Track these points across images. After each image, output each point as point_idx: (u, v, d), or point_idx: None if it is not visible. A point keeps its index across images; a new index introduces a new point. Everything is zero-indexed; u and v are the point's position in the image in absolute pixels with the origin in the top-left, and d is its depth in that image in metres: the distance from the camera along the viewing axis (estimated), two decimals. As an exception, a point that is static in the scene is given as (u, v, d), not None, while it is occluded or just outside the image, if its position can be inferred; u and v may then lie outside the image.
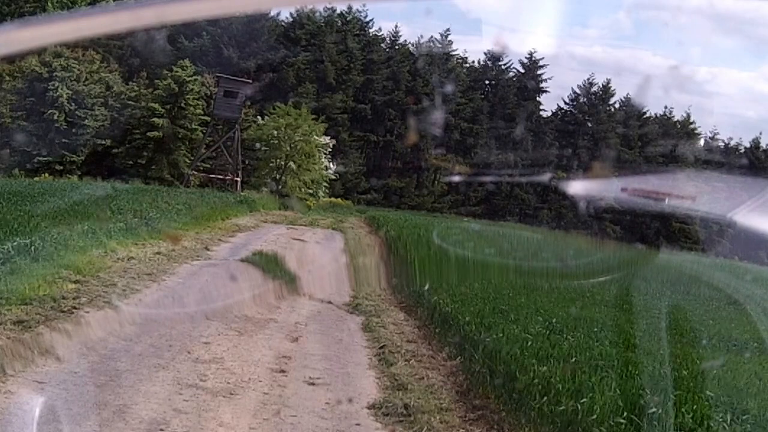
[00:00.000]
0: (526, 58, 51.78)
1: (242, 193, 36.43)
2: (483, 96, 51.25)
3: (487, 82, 52.44)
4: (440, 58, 50.66)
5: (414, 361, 9.48)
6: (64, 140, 37.94)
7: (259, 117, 42.53)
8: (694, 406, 7.00)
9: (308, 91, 46.07)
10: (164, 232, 17.36)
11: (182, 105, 41.27)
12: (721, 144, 52.24)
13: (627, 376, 7.85)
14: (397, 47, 51.01)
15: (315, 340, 10.55)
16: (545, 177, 47.07)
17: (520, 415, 7.25)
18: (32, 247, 11.92)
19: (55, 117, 37.85)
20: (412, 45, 51.44)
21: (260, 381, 8.11)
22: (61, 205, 18.11)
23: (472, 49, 70.46)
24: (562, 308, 12.44)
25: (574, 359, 8.44)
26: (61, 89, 38.12)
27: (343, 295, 13.68)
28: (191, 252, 16.24)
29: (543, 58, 51.24)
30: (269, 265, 15.00)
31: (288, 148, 40.04)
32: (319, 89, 46.95)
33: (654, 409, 6.69)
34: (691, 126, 51.99)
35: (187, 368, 8.15)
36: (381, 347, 10.13)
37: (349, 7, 50.26)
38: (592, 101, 52.18)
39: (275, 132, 39.95)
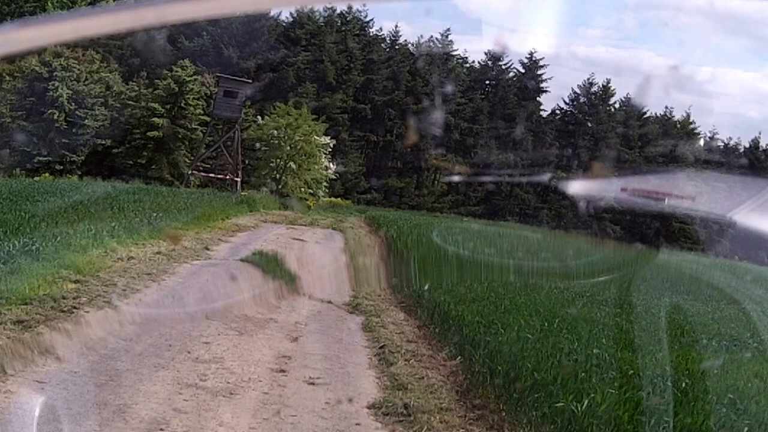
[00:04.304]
0: (526, 58, 51.85)
1: (242, 193, 36.42)
2: (483, 96, 51.25)
3: (487, 82, 52.45)
4: (440, 58, 50.67)
5: (414, 361, 9.48)
6: (64, 140, 37.96)
7: (259, 117, 42.55)
8: (694, 406, 7.00)
9: (308, 91, 46.07)
10: (164, 232, 17.36)
11: (182, 105, 41.31)
12: (721, 144, 52.32)
13: (627, 376, 7.85)
14: (397, 47, 51.01)
15: (315, 339, 10.54)
16: (545, 177, 47.08)
17: (520, 415, 7.25)
18: (32, 247, 11.92)
19: (55, 117, 37.87)
20: (412, 45, 51.52)
21: (260, 381, 8.11)
22: (61, 205, 18.10)
23: (472, 49, 70.50)
24: (562, 308, 12.43)
25: (574, 359, 8.44)
26: (61, 89, 38.13)
27: (343, 294, 13.66)
28: (191, 252, 16.23)
29: (543, 58, 51.32)
30: (269, 264, 15.00)
31: (288, 148, 40.06)
32: (319, 89, 46.96)
33: (654, 409, 6.69)
34: (691, 126, 52.03)
35: (187, 368, 8.15)
36: (381, 347, 10.12)
37: (349, 7, 50.32)
38: (592, 101, 52.19)
39: (275, 132, 39.97)
